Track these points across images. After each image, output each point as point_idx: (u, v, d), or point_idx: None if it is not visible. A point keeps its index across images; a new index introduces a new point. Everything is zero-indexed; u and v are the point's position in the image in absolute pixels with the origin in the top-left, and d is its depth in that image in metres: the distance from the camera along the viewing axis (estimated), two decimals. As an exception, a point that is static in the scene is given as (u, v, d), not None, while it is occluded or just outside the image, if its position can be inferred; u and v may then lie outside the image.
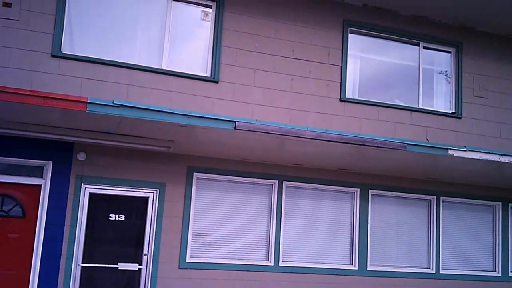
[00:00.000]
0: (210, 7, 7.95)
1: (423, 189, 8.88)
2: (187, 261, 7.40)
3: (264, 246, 7.91)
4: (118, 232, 7.23)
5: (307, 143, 6.61)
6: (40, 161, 6.91)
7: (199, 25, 7.94)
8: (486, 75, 9.34)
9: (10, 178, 6.82)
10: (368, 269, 8.33)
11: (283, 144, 6.80)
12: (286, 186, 8.09)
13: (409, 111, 8.76)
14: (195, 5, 7.93)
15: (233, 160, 7.81)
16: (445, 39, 9.21)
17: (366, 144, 6.68)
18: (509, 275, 9.28)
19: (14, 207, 6.83)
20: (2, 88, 5.40)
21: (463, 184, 9.12)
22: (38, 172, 6.97)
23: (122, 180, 7.22)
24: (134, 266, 7.18)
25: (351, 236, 8.40)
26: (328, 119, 8.18)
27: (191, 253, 7.48)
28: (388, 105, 8.66)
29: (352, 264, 8.30)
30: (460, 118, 9.05)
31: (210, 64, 7.78)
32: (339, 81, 8.40)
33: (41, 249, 6.73)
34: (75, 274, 6.89)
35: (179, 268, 7.34)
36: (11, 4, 6.86)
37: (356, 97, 8.59)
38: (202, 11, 7.94)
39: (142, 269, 7.21)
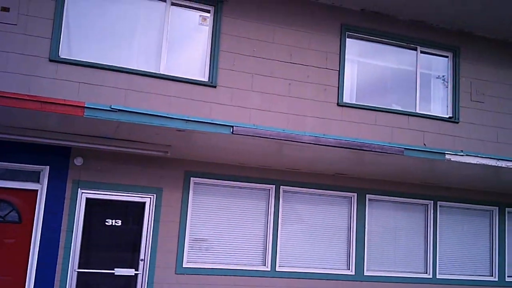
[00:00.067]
0: (208, 11, 7.95)
1: (420, 193, 8.88)
2: (183, 266, 7.38)
3: (261, 251, 7.90)
4: (114, 237, 7.21)
5: (305, 147, 6.61)
6: (37, 166, 6.88)
7: (197, 29, 7.94)
8: (483, 79, 9.36)
9: (6, 183, 6.78)
10: (365, 274, 8.32)
11: (281, 149, 6.79)
12: (283, 191, 8.08)
13: (407, 116, 8.77)
14: (193, 10, 7.93)
15: (231, 165, 7.80)
16: (443, 43, 9.22)
17: (364, 148, 6.68)
18: (506, 280, 9.28)
19: (10, 212, 6.81)
20: (-1, 93, 5.39)
21: (460, 189, 9.13)
22: (35, 177, 6.94)
23: (119, 185, 7.20)
24: (130, 272, 7.15)
25: (348, 241, 8.39)
26: (326, 124, 8.18)
27: (188, 258, 7.45)
28: (386, 110, 8.67)
29: (349, 269, 8.29)
30: (457, 122, 9.07)
31: (208, 68, 7.78)
32: (337, 85, 8.40)
33: (37, 254, 6.70)
34: (71, 280, 6.86)
35: (175, 274, 7.32)
36: (9, 8, 6.85)
37: (354, 102, 8.60)
38: (200, 15, 7.93)
39: (139, 275, 7.18)
